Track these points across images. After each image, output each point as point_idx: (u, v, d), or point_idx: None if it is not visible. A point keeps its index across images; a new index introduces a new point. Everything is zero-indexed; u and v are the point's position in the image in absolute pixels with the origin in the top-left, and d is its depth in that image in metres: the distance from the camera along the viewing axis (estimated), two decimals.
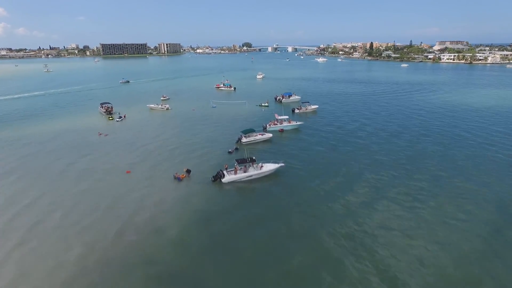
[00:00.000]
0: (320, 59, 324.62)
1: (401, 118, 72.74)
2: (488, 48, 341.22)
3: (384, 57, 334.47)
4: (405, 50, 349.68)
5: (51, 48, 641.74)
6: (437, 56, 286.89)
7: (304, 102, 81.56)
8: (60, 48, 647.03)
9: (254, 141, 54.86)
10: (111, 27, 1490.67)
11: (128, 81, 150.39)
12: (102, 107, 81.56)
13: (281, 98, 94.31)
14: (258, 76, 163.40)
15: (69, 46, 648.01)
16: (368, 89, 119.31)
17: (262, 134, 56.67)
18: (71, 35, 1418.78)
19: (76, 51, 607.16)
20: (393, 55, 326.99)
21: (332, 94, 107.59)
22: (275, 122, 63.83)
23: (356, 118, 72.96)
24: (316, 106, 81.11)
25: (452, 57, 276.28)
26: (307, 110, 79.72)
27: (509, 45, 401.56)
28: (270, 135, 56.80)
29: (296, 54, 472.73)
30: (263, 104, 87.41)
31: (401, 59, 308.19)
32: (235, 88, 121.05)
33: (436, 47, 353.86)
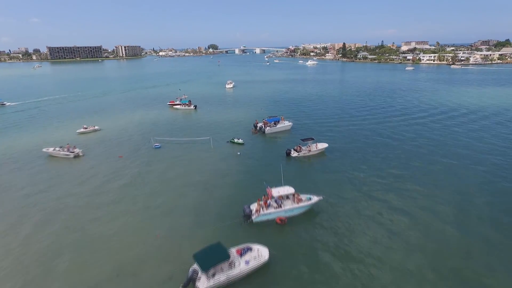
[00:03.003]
0: (309, 62, 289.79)
1: None
2: (453, 48, 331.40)
3: (360, 59, 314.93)
4: (377, 50, 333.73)
5: None
6: (416, 57, 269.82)
7: (305, 139, 49.92)
8: (6, 52, 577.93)
9: (228, 283, 22.59)
10: (69, 29, 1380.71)
11: (4, 104, 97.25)
12: None
13: (263, 125, 62.64)
14: (227, 86, 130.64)
15: (17, 50, 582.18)
16: (401, 110, 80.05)
17: (245, 251, 24.47)
18: (24, 38, 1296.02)
19: (21, 55, 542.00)
20: (370, 57, 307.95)
21: (342, 118, 73.97)
22: (268, 200, 31.86)
23: (401, 172, 42.85)
24: (325, 146, 50.14)
25: (432, 57, 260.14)
26: (310, 153, 48.62)
27: (470, 45, 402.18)
28: (265, 257, 24.50)
29: (265, 57, 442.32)
30: (236, 140, 55.10)
31: (379, 61, 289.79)
32: (195, 106, 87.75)
33: (404, 48, 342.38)
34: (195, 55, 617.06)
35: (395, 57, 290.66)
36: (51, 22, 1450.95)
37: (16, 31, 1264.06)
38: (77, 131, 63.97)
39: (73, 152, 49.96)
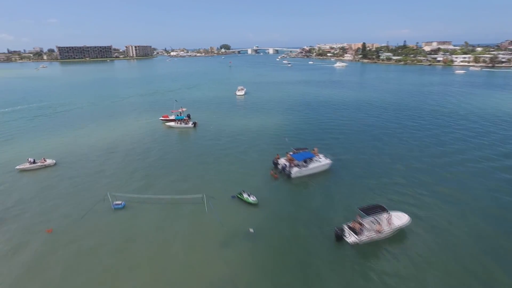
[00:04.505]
0: (338, 64, 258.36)
1: None
2: (482, 48, 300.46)
3: (383, 60, 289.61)
4: (399, 51, 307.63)
5: (9, 52, 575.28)
6: (448, 58, 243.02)
7: (367, 208, 27.91)
8: (22, 51, 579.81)
9: None
10: (84, 29, 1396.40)
11: None
12: None
13: (287, 164, 41.40)
14: (237, 93, 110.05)
15: (32, 50, 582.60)
16: None
17: None
18: (42, 38, 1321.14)
19: (32, 55, 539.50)
20: (394, 58, 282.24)
21: (410, 148, 50.70)
22: None
23: None
24: (405, 220, 28.27)
25: (467, 59, 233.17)
26: (380, 235, 27.05)
27: (497, 45, 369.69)
28: None
29: (277, 58, 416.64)
30: (246, 197, 33.88)
31: (405, 62, 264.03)
32: (195, 123, 67.32)
33: (426, 48, 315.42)
34: (206, 55, 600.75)
35: (423, 58, 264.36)
36: (67, 22, 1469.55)
37: (35, 31, 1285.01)
38: (17, 167, 44.19)
39: None
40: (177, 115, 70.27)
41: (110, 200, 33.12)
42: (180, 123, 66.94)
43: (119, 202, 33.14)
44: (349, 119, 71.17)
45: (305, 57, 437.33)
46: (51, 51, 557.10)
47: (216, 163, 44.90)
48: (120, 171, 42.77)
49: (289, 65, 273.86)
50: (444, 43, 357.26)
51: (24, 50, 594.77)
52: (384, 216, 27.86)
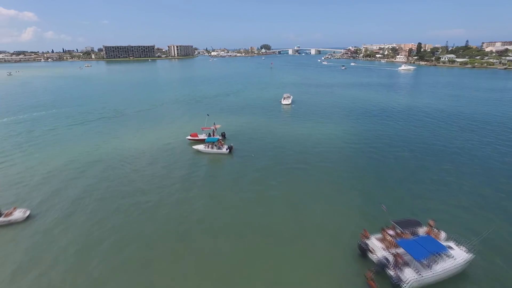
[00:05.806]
0: (403, 67, 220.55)
1: None
2: None
3: (444, 62, 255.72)
4: (461, 52, 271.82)
5: (63, 51, 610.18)
6: None
7: None
8: (74, 50, 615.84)
9: None
10: (133, 29, 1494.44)
11: None
12: None
13: (389, 258, 22.88)
14: (283, 101, 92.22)
15: (84, 49, 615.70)
16: None
17: None
18: (95, 38, 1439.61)
19: (81, 54, 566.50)
20: (459, 60, 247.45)
21: None
22: None
23: None
24: None
25: None
26: None
27: None
28: None
29: (319, 60, 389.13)
30: None
31: (472, 65, 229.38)
32: (230, 147, 50.45)
33: (488, 49, 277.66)
34: (247, 55, 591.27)
35: (495, 60, 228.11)
36: (117, 23, 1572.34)
37: (89, 32, 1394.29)
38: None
39: None
40: (209, 135, 54.23)
41: None
42: (212, 147, 50.56)
43: None
44: (472, 150, 50.22)
45: (351, 58, 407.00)
46: (100, 50, 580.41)
47: (257, 243, 27.24)
48: (120, 224, 26.85)
49: (343, 67, 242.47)
50: (511, 43, 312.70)
51: (77, 50, 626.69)
52: None
